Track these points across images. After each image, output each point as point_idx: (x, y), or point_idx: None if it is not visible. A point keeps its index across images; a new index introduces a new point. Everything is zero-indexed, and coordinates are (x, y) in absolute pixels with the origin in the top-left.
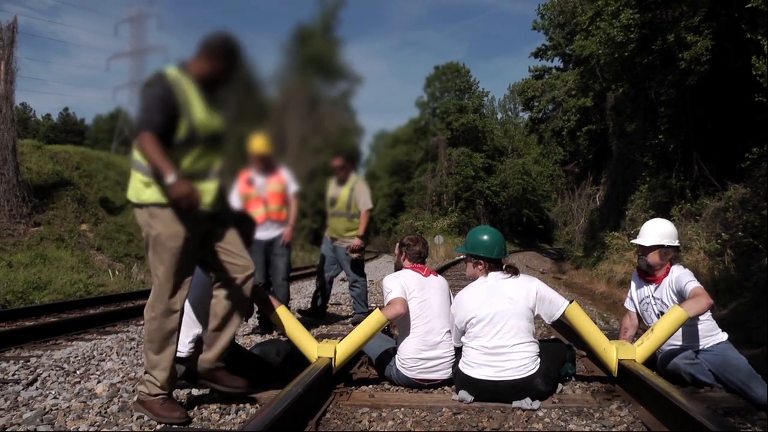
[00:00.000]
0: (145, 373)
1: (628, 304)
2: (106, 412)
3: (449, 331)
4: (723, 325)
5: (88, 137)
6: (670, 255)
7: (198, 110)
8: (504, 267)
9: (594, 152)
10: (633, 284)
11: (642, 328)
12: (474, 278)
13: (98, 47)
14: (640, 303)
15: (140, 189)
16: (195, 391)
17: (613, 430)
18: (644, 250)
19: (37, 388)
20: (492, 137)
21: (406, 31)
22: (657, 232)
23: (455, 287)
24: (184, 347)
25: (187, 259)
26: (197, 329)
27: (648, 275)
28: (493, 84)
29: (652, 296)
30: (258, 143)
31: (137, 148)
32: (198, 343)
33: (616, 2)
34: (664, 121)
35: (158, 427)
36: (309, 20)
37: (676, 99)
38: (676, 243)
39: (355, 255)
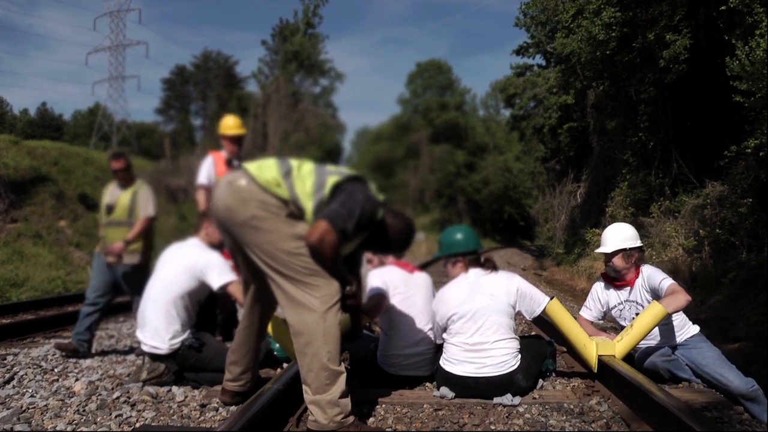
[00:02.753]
0: None
1: (585, 313)
2: (84, 411)
3: (432, 328)
4: (700, 320)
5: (67, 133)
6: (635, 256)
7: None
8: (483, 261)
9: (575, 149)
10: (597, 292)
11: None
12: (456, 277)
13: (77, 41)
14: (612, 309)
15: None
16: (175, 388)
17: (593, 425)
18: (608, 257)
19: (13, 387)
20: (474, 134)
21: (388, 28)
22: (616, 237)
23: (437, 284)
24: (164, 344)
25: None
26: (177, 325)
27: (617, 280)
28: (475, 81)
29: (627, 300)
30: (232, 123)
31: (318, 243)
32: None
33: (597, 1)
34: (643, 119)
35: (137, 425)
36: (291, 17)
37: (655, 97)
38: (637, 243)
39: (111, 260)
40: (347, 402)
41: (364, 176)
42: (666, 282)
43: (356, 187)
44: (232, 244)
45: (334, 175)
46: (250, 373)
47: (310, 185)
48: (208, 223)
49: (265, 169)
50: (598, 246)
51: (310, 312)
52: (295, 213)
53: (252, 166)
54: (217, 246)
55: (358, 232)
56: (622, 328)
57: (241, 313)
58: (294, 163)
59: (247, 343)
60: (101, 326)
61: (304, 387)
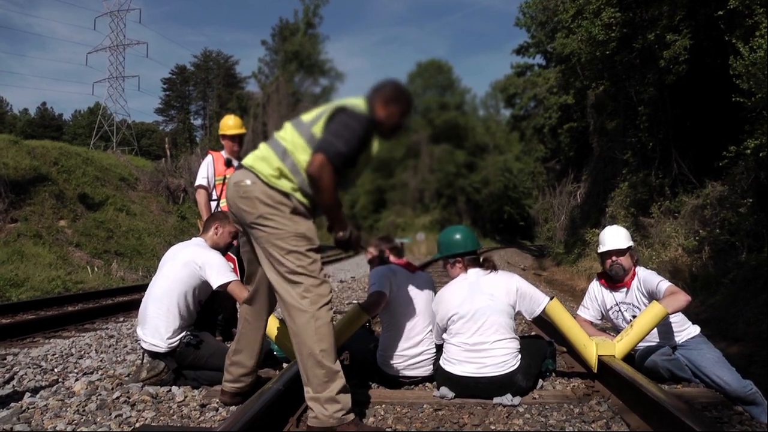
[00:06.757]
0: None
1: (583, 313)
2: (84, 411)
3: (432, 329)
4: (700, 320)
5: (67, 132)
6: (635, 256)
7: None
8: (482, 261)
9: (575, 149)
10: (594, 292)
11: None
12: (456, 278)
13: (77, 41)
14: (609, 310)
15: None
16: (175, 389)
17: (593, 425)
18: (618, 255)
19: (13, 387)
20: (474, 134)
21: (388, 28)
22: (622, 235)
23: (438, 284)
24: (162, 342)
25: None
26: (177, 324)
27: (615, 282)
28: (476, 80)
29: (623, 302)
30: (233, 123)
31: (317, 173)
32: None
33: (597, 1)
34: (643, 120)
35: (137, 425)
36: (291, 17)
37: (655, 97)
38: (633, 244)
39: None
40: (347, 398)
41: (344, 105)
42: (663, 284)
43: (346, 117)
44: (249, 243)
45: (316, 123)
46: (250, 374)
47: (302, 146)
48: (218, 225)
49: (265, 162)
50: (598, 246)
51: (301, 312)
52: (299, 209)
53: (254, 161)
54: (222, 248)
55: (362, 150)
56: (619, 331)
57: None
58: (283, 141)
59: (248, 344)
60: (101, 326)
61: (305, 387)
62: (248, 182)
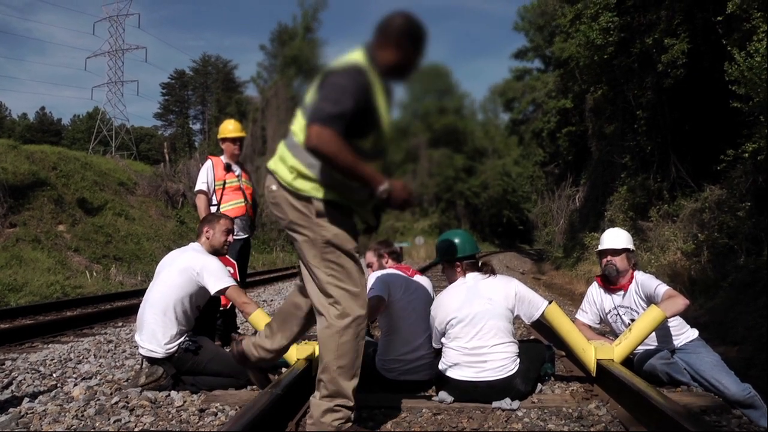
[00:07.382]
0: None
1: (581, 316)
2: (82, 416)
3: (431, 333)
4: (699, 324)
5: (65, 137)
6: (633, 260)
7: (385, 115)
8: (480, 265)
9: (574, 153)
10: (593, 295)
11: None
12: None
13: (76, 46)
14: (607, 314)
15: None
16: (174, 393)
17: (592, 429)
18: (613, 255)
19: (12, 392)
20: (472, 138)
21: None
22: (621, 236)
23: (437, 288)
24: (160, 347)
25: None
26: (174, 329)
27: (612, 284)
28: (474, 85)
29: (621, 306)
30: (233, 127)
31: (315, 145)
32: (178, 343)
33: (595, 5)
34: (642, 124)
35: (135, 430)
36: (290, 21)
37: (653, 101)
38: (633, 247)
39: None
40: (348, 412)
41: (331, 67)
42: (662, 288)
43: (331, 77)
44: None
45: (313, 100)
46: (275, 350)
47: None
48: (208, 228)
49: (282, 161)
50: (596, 250)
51: (328, 325)
52: (323, 212)
53: (275, 164)
54: (219, 250)
55: (364, 107)
56: (617, 334)
57: (240, 318)
58: (295, 136)
59: (288, 321)
60: (100, 331)
61: (316, 388)
62: (273, 187)
